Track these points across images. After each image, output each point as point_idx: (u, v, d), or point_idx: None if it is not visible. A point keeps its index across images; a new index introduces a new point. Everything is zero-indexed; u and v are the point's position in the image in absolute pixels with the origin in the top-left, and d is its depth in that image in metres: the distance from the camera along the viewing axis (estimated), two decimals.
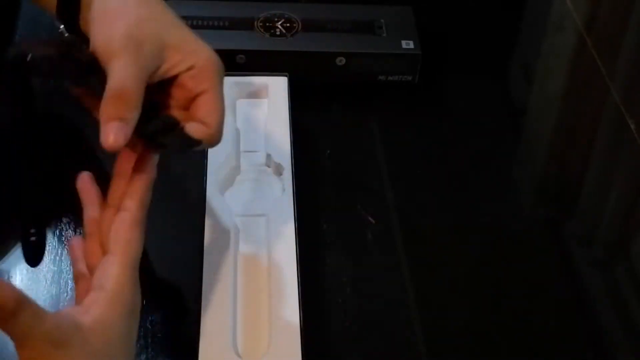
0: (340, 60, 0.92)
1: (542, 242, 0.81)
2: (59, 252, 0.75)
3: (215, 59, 0.61)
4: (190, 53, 0.60)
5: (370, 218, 0.80)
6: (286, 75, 0.86)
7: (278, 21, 0.93)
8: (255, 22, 0.93)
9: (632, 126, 0.89)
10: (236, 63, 0.90)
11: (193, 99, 0.60)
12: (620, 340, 0.74)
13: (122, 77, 0.56)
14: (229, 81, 0.82)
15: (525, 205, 0.85)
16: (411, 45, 0.92)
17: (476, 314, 0.74)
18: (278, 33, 0.92)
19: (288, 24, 0.93)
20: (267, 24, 0.93)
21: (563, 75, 1.02)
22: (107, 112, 0.55)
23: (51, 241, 0.76)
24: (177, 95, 0.61)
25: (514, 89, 1.00)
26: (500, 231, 0.81)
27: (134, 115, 0.56)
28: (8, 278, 0.73)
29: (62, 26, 0.63)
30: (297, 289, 0.69)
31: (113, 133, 0.55)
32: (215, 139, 0.61)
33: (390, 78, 0.93)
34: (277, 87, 0.86)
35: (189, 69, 0.60)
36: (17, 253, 0.75)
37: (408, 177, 0.85)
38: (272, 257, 0.71)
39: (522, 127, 0.95)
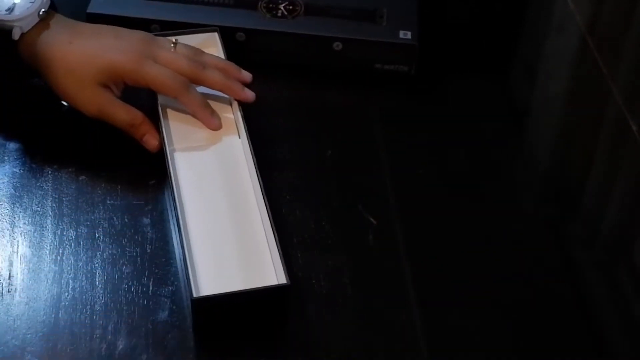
0: (337, 45, 0.92)
1: (542, 242, 0.81)
2: (60, 251, 0.75)
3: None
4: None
5: (371, 218, 0.80)
6: (216, 30, 0.89)
7: (281, 3, 0.94)
8: (259, 3, 0.94)
9: (634, 127, 0.89)
10: (236, 40, 0.92)
11: None
12: (621, 341, 0.74)
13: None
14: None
15: (525, 206, 0.85)
16: (409, 35, 0.93)
17: (477, 314, 0.74)
18: (279, 14, 0.93)
19: (291, 7, 0.94)
20: (270, 5, 0.94)
21: (565, 77, 1.01)
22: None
23: (52, 241, 0.76)
24: None
25: (515, 90, 1.00)
26: (500, 231, 0.81)
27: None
28: (9, 277, 0.74)
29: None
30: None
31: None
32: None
33: (386, 67, 0.93)
34: (210, 42, 0.89)
35: None
36: (17, 251, 0.75)
37: (408, 176, 0.85)
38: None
39: (523, 128, 0.95)
